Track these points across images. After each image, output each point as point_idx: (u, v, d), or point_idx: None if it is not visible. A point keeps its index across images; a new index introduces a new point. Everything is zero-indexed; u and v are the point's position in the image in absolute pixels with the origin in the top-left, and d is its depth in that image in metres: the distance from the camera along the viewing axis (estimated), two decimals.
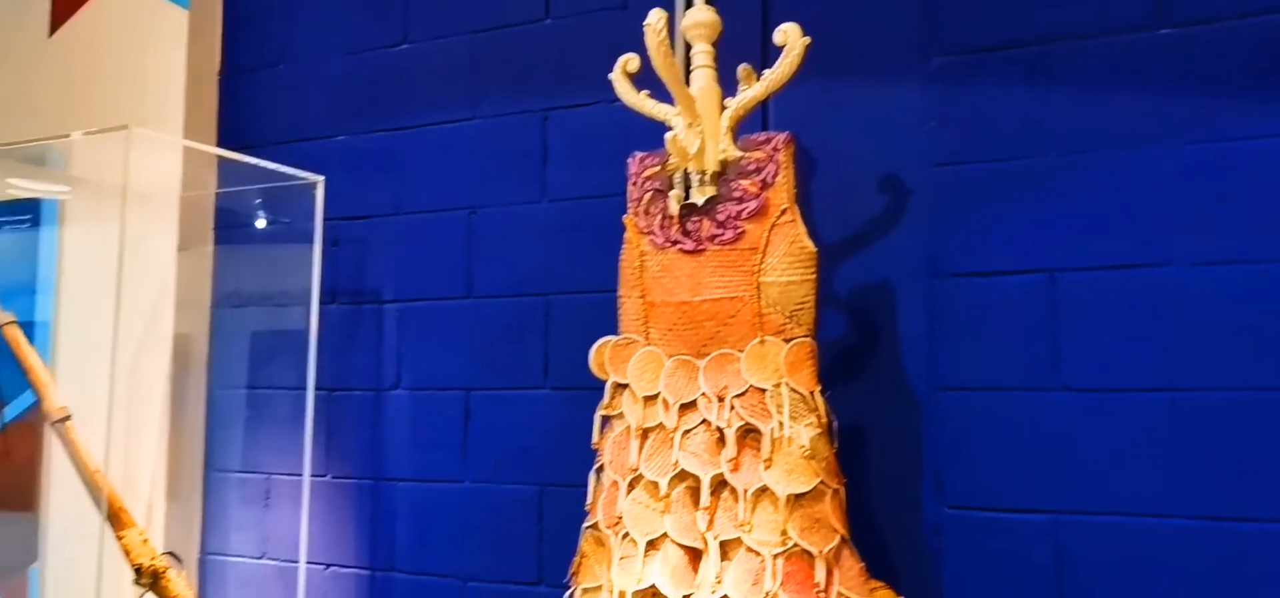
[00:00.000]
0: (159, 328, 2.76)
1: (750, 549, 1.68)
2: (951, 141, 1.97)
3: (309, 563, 2.54)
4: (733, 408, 1.72)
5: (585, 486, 1.88)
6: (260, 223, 2.78)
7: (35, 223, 3.01)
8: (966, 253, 1.94)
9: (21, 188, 2.98)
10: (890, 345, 2.00)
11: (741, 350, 1.74)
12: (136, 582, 2.23)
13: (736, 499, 1.70)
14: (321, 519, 2.58)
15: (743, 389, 1.72)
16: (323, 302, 2.55)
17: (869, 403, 1.99)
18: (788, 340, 1.72)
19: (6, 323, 2.27)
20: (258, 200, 2.75)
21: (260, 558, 2.68)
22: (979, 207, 1.94)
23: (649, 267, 1.81)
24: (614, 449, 1.82)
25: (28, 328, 2.93)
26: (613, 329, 1.90)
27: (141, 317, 2.76)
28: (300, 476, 2.62)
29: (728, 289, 1.74)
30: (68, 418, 2.26)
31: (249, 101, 2.82)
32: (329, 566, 2.57)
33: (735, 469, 1.71)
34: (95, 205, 2.91)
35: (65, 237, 2.95)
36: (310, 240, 2.56)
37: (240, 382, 2.76)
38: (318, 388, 2.57)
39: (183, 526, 2.74)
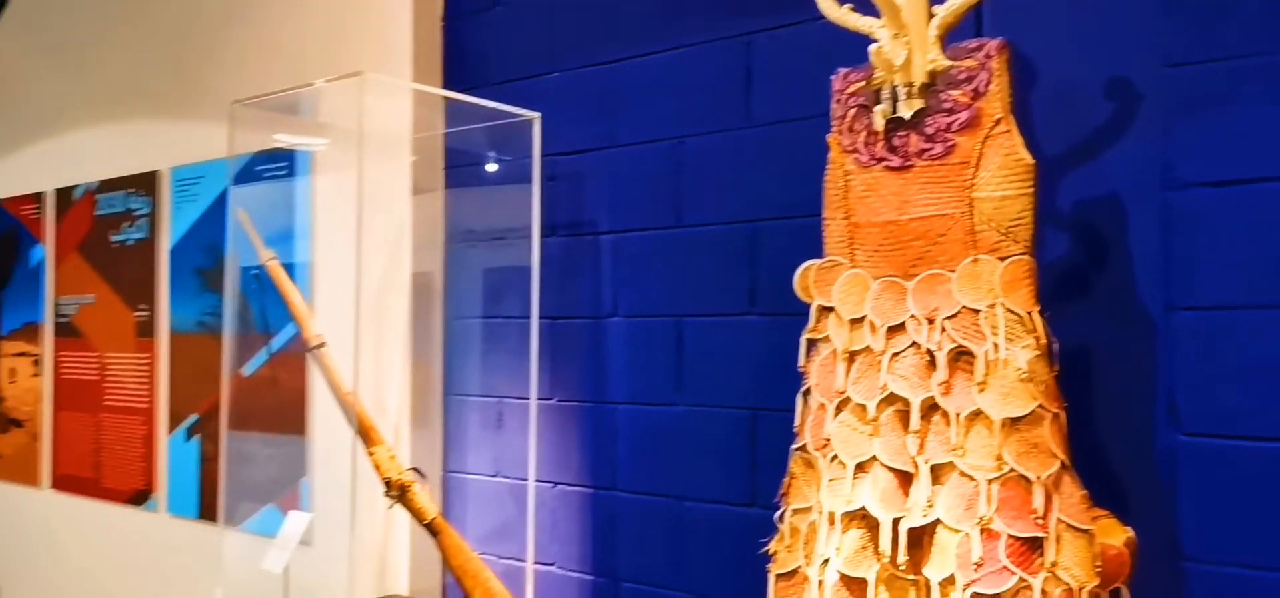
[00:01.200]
0: (399, 265, 2.97)
1: (964, 473, 1.64)
2: (1185, 39, 1.81)
3: (538, 481, 2.69)
4: (944, 330, 1.68)
5: (792, 409, 1.89)
6: (489, 166, 2.92)
7: (291, 172, 3.29)
8: (1204, 160, 1.78)
9: (285, 141, 3.26)
10: (1119, 263, 1.88)
11: (953, 270, 1.68)
12: (387, 493, 2.44)
13: (948, 423, 1.66)
14: (548, 440, 2.72)
15: (954, 311, 1.67)
16: (543, 235, 2.66)
17: (1095, 324, 1.88)
18: (1003, 259, 1.66)
19: (268, 259, 2.51)
20: (482, 139, 2.90)
21: (494, 476, 2.86)
22: (1217, 110, 1.78)
23: (853, 186, 1.78)
24: (820, 373, 1.82)
25: (289, 269, 3.23)
26: (819, 253, 1.88)
27: (383, 255, 2.98)
28: (528, 399, 2.77)
29: (937, 206, 1.69)
30: (323, 345, 2.48)
31: (471, 44, 2.96)
32: (556, 483, 2.71)
33: (946, 392, 1.67)
34: (340, 152, 3.15)
35: (317, 183, 3.21)
36: (530, 177, 2.68)
37: (473, 312, 2.93)
38: (542, 317, 2.70)
39: (425, 445, 2.96)
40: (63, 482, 4.18)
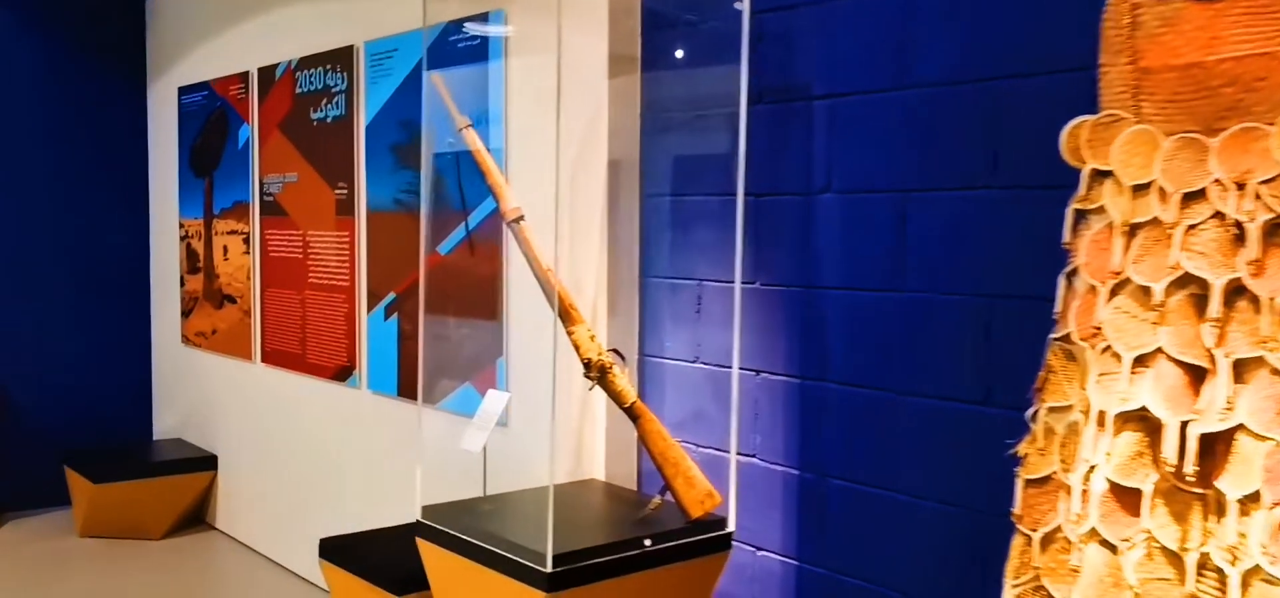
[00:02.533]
0: (595, 142, 2.81)
1: (1276, 371, 1.35)
2: None
3: (740, 368, 2.52)
4: (1258, 198, 1.37)
5: (1038, 296, 1.62)
6: (689, 29, 2.71)
7: (485, 48, 3.17)
8: None
9: (477, 30, 3.14)
10: None
11: (1273, 123, 1.37)
12: (586, 374, 2.32)
13: (1257, 310, 1.37)
14: (752, 326, 2.53)
15: (1273, 174, 1.36)
16: (749, 103, 2.44)
17: None
18: None
19: (464, 127, 2.39)
20: (681, 2, 2.67)
21: (693, 361, 2.70)
22: None
23: (1144, 22, 1.47)
24: (1091, 250, 1.54)
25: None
26: (1073, 114, 1.58)
27: (578, 135, 2.83)
28: (730, 283, 2.59)
29: (1257, 43, 1.37)
30: (521, 218, 2.36)
31: None
32: (759, 372, 2.53)
33: (1258, 274, 1.37)
34: (533, 24, 3.00)
35: (511, 65, 3.08)
36: (733, 42, 2.45)
37: (671, 191, 2.75)
38: (747, 194, 2.49)
39: (621, 329, 2.82)
40: (272, 356, 4.32)
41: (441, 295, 3.35)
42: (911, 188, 2.22)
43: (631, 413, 2.33)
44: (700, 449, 2.65)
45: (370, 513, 3.73)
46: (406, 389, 3.54)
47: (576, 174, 2.85)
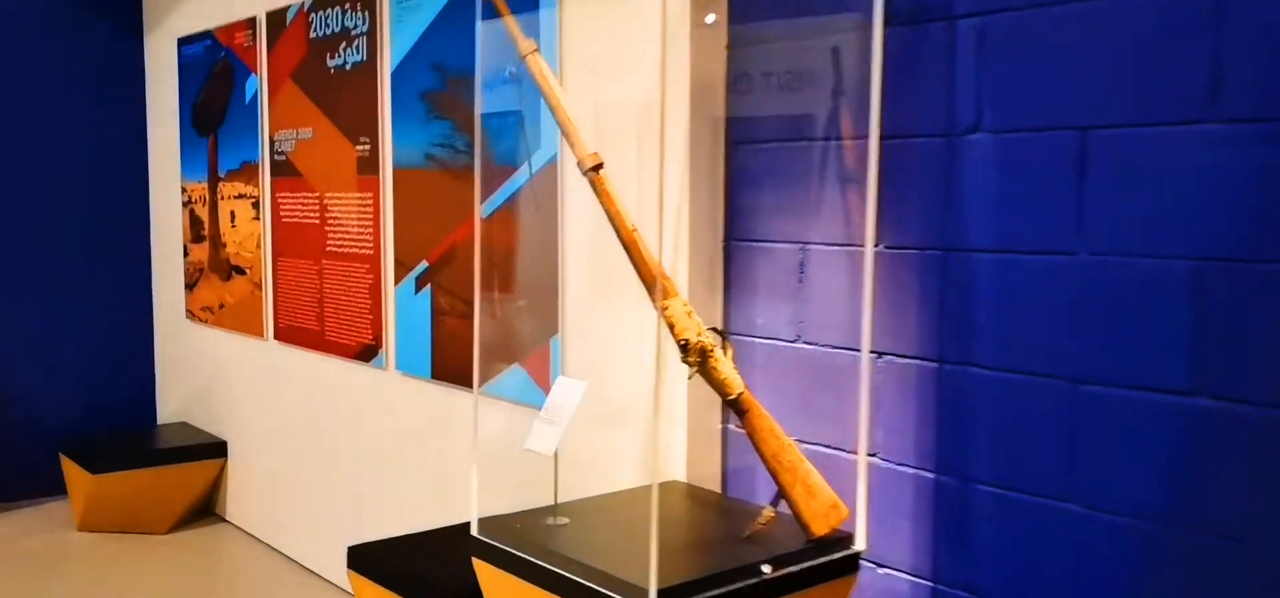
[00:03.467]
0: (668, 78, 2.36)
1: None
2: None
3: (853, 349, 2.09)
4: None
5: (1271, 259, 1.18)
6: None
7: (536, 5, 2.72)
8: None
9: None
10: None
11: None
12: (684, 359, 1.88)
13: None
14: (878, 297, 2.10)
15: None
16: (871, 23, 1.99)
17: None
18: None
19: (530, 51, 1.94)
20: None
21: (794, 341, 2.26)
22: None
23: None
24: None
25: (525, 119, 2.69)
26: None
27: (647, 81, 2.39)
28: (843, 246, 2.15)
29: None
30: (600, 165, 1.92)
31: None
32: (882, 354, 2.10)
33: None
34: None
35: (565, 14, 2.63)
36: None
37: (766, 136, 2.31)
38: (864, 137, 2.05)
39: (702, 303, 2.38)
40: (286, 333, 3.89)
41: (484, 264, 2.91)
42: (1093, 123, 1.77)
43: (738, 406, 1.90)
44: (807, 448, 2.21)
45: (399, 510, 3.31)
46: (442, 371, 3.11)
47: (646, 118, 2.41)
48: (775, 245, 2.29)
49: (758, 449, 1.90)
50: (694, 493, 2.28)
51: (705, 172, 2.37)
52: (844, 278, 2.16)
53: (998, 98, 1.90)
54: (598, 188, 1.90)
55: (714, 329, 1.93)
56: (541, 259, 2.69)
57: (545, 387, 2.73)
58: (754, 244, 2.34)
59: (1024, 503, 1.90)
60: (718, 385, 1.89)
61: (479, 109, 2.69)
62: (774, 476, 1.88)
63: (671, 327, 1.88)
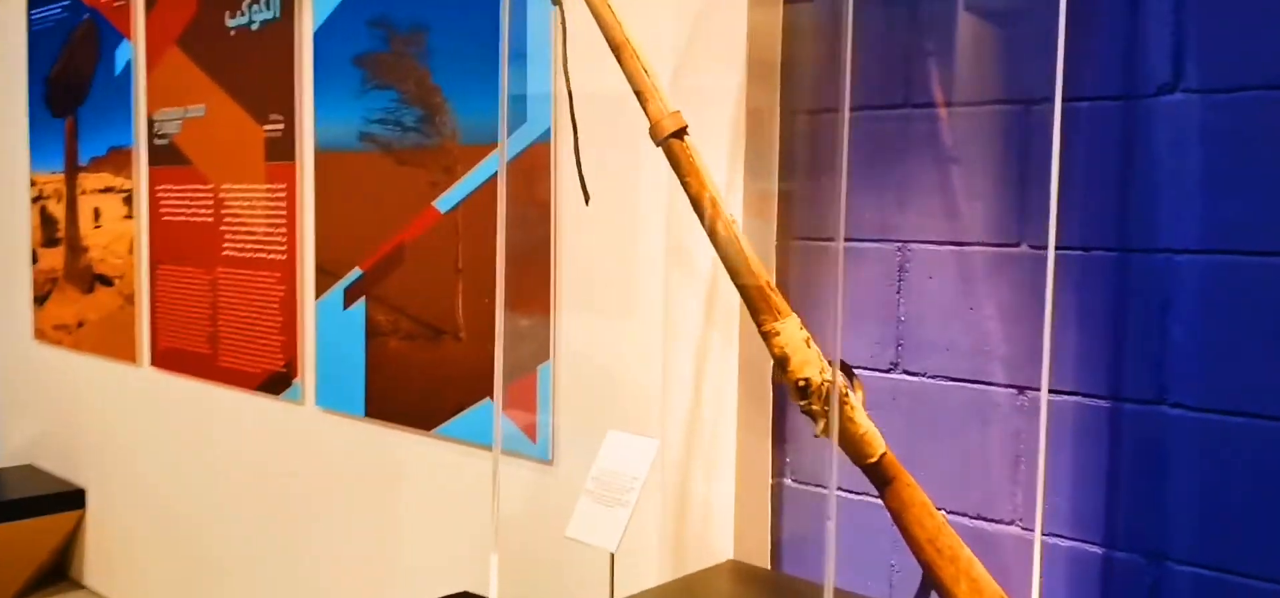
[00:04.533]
0: (709, 32, 1.81)
1: None
2: None
3: (983, 383, 1.57)
4: None
5: None
6: None
7: None
8: None
9: None
10: None
11: None
12: (806, 407, 1.31)
13: None
14: (1009, 313, 1.58)
15: None
16: None
17: None
18: None
19: None
20: None
21: (888, 371, 1.73)
22: None
23: None
24: None
25: (520, 102, 2.10)
26: None
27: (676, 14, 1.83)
28: (957, 245, 1.63)
29: None
30: (684, 130, 1.34)
31: None
32: (1023, 389, 1.58)
33: None
34: None
35: None
36: None
37: (840, 101, 1.77)
38: (1012, 100, 1.54)
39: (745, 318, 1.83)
40: (167, 358, 3.15)
41: (439, 269, 2.29)
42: None
43: (881, 473, 1.35)
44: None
45: (315, 587, 2.64)
46: (381, 407, 2.46)
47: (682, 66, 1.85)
48: (861, 245, 1.75)
49: (908, 531, 1.35)
50: (770, 583, 1.72)
51: (756, 146, 1.82)
52: (967, 286, 1.64)
53: (1205, 45, 1.41)
54: (682, 161, 1.32)
55: (841, 365, 1.38)
56: (528, 265, 2.09)
57: (528, 429, 2.13)
58: (824, 244, 1.80)
59: (1242, 590, 1.41)
60: (853, 443, 1.33)
61: (506, 38, 2.04)
62: (930, 566, 1.34)
63: (783, 359, 1.31)
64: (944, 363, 1.67)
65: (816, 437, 1.33)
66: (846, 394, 1.32)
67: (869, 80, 1.74)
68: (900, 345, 1.71)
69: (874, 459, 1.34)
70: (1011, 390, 1.60)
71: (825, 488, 1.80)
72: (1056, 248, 1.53)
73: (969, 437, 1.63)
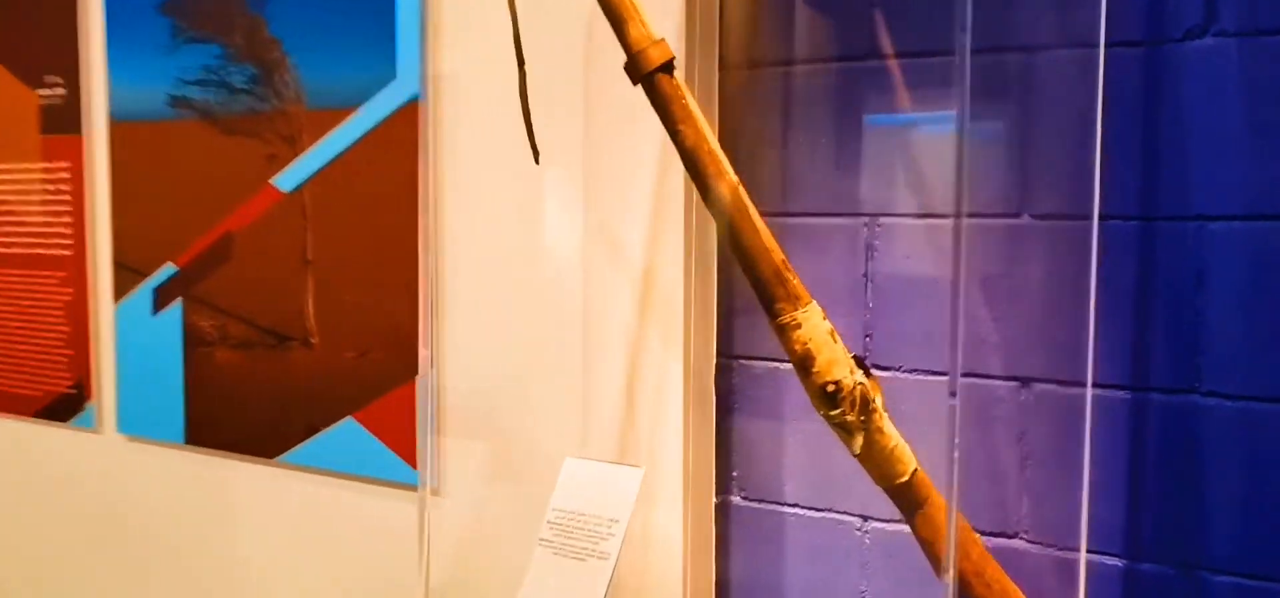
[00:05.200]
0: None
1: None
2: None
3: (972, 376, 1.35)
4: None
5: None
6: None
7: None
8: None
9: None
10: None
11: None
12: (841, 416, 1.03)
13: None
14: (1004, 295, 1.37)
15: None
16: None
17: None
18: None
19: None
20: None
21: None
22: None
23: None
24: None
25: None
26: None
27: None
28: (931, 217, 1.40)
29: None
30: (671, 62, 1.03)
31: None
32: (1027, 380, 1.37)
33: None
34: None
35: None
36: None
37: (795, 54, 1.50)
38: (1001, 49, 1.32)
39: (669, 310, 1.54)
40: None
41: (281, 262, 1.88)
42: None
43: (911, 495, 1.08)
44: (898, 527, 1.45)
45: None
46: (207, 432, 2.01)
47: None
48: (817, 221, 1.50)
49: (940, 561, 1.09)
50: None
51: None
52: (947, 268, 1.41)
53: None
54: (675, 103, 1.01)
55: (858, 360, 1.10)
56: (403, 252, 1.72)
57: (404, 453, 1.76)
58: (782, 220, 1.53)
59: None
60: (881, 460, 1.06)
61: None
62: None
63: (807, 358, 1.03)
64: (924, 355, 1.43)
65: (857, 453, 1.05)
66: (876, 401, 1.06)
67: (823, 28, 1.48)
68: (869, 337, 1.47)
69: (905, 477, 1.07)
70: (1013, 384, 1.38)
71: (787, 506, 1.54)
72: (1048, 218, 1.32)
73: (962, 439, 1.40)
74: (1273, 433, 1.24)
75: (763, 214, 1.39)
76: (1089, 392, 1.16)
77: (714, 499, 1.59)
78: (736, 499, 1.60)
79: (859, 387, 1.02)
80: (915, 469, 1.08)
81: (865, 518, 1.48)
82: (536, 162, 1.17)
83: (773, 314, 1.02)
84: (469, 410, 1.72)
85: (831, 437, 1.47)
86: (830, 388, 1.02)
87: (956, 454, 1.00)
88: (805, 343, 1.01)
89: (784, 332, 1.02)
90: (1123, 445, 1.32)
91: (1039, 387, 1.36)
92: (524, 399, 1.65)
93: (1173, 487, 1.29)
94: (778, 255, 1.02)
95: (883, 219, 1.45)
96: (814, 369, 1.02)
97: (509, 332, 1.66)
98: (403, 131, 1.72)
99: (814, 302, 1.04)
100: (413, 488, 1.74)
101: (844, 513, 1.50)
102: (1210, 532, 1.28)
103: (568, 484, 1.16)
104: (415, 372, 1.73)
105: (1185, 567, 1.29)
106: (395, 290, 1.76)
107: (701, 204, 1.50)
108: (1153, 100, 1.28)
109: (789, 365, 1.50)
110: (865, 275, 1.46)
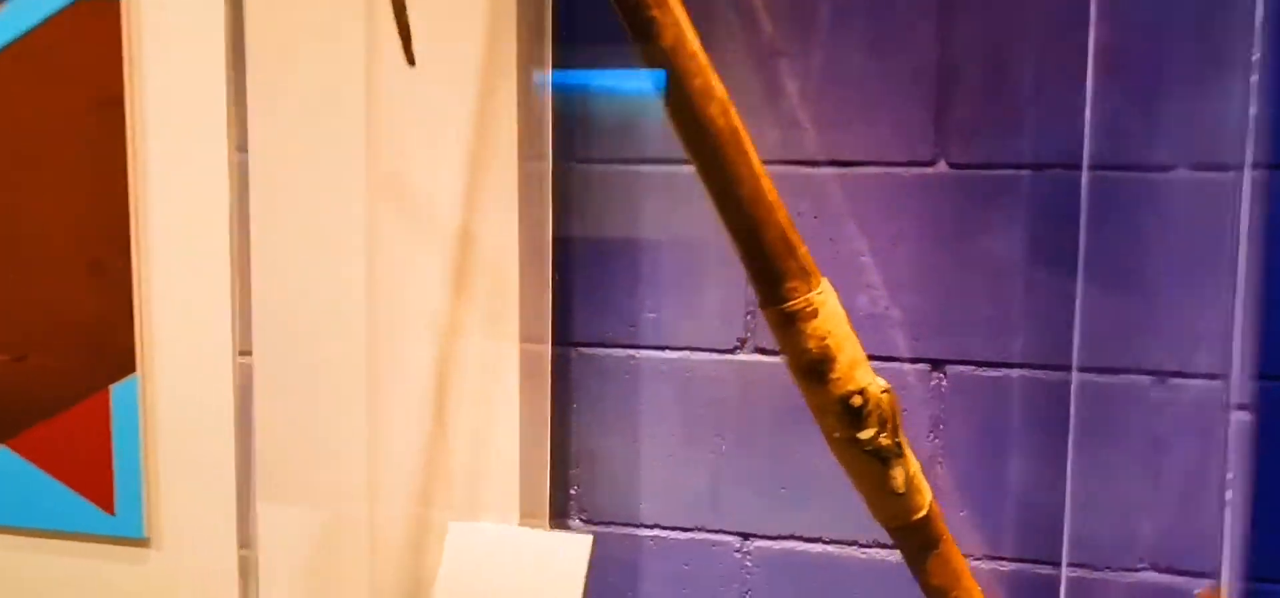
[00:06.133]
0: None
1: None
2: None
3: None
4: None
5: None
6: None
7: None
8: None
9: None
10: None
11: None
12: (870, 439, 0.73)
13: None
14: (930, 259, 1.14)
15: None
16: None
17: None
18: None
19: None
20: None
21: (733, 351, 1.19)
22: None
23: None
24: None
25: None
26: None
27: None
28: (832, 166, 1.15)
29: None
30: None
31: None
32: (941, 365, 1.15)
33: None
34: None
35: None
36: None
37: None
38: None
39: (497, 289, 1.18)
40: None
41: None
42: None
43: (926, 533, 0.81)
44: (791, 545, 1.19)
45: None
46: None
47: None
48: (680, 170, 1.19)
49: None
50: None
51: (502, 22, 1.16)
52: (850, 222, 1.16)
53: None
54: (658, 24, 0.66)
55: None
56: (78, 219, 1.20)
57: (96, 492, 1.26)
58: (634, 168, 1.20)
59: None
60: (898, 489, 0.78)
61: None
62: None
63: (825, 359, 0.72)
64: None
65: (899, 487, 0.76)
66: (899, 417, 0.77)
67: None
68: (752, 313, 1.19)
69: (923, 512, 0.80)
70: (922, 366, 1.16)
71: (644, 528, 1.23)
72: (963, 166, 1.12)
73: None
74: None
75: (615, 161, 1.08)
76: (1234, 380, 0.95)
77: (546, 527, 1.25)
78: (577, 524, 1.26)
79: (887, 394, 0.73)
80: (931, 502, 0.81)
81: (745, 537, 1.21)
82: (410, 63, 0.77)
83: (777, 298, 0.71)
84: (195, 433, 1.24)
85: (701, 440, 1.19)
86: (856, 401, 0.72)
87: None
88: (824, 338, 0.71)
89: (791, 322, 0.71)
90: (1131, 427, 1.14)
91: (954, 369, 1.15)
92: (280, 413, 1.21)
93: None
94: (784, 212, 0.71)
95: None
96: (833, 375, 0.72)
97: (262, 322, 1.20)
98: (82, 34, 1.20)
99: (825, 279, 0.74)
100: (110, 540, 1.24)
101: (718, 533, 1.22)
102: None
103: (459, 561, 0.77)
104: (107, 380, 1.23)
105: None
106: (75, 270, 1.23)
107: (525, 134, 1.14)
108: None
109: (645, 352, 1.20)
110: None
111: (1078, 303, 0.97)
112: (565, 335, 1.23)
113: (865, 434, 0.72)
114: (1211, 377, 1.06)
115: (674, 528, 1.23)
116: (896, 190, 1.13)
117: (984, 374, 1.14)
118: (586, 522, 1.26)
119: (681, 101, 0.67)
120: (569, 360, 1.23)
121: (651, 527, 1.23)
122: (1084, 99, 1.09)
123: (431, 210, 1.16)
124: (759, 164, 0.70)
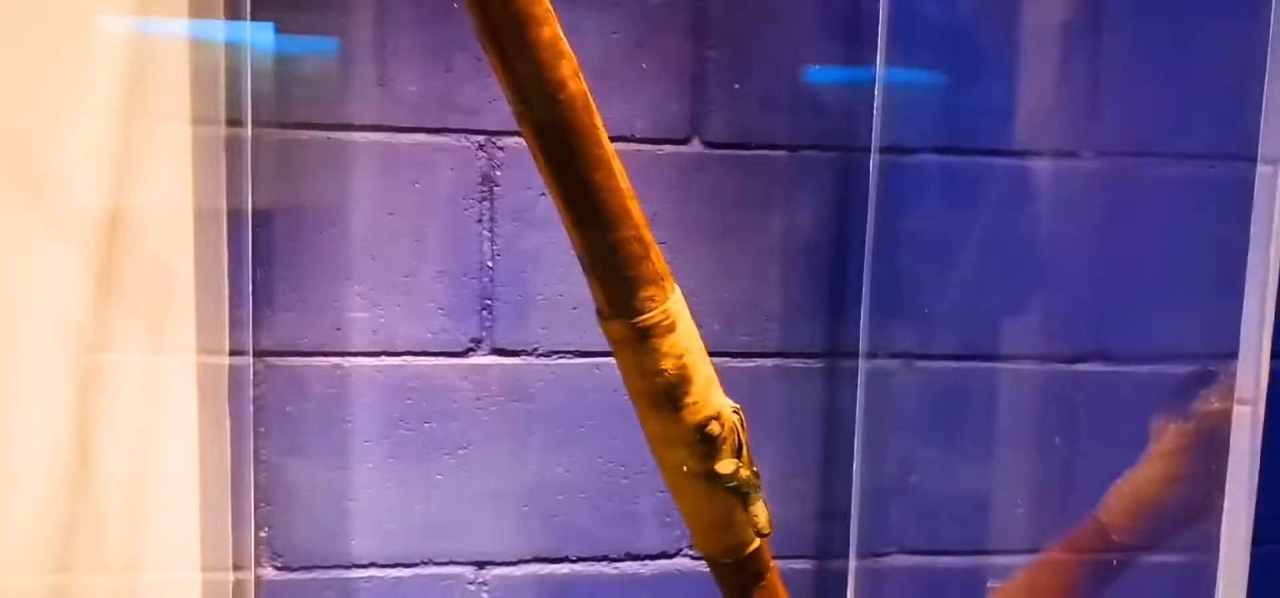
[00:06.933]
0: None
1: None
2: None
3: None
4: None
5: None
6: None
7: None
8: None
9: None
10: None
11: None
12: (731, 475, 0.60)
13: None
14: (690, 247, 1.04)
15: None
16: None
17: None
18: None
19: None
20: None
21: (466, 353, 1.02)
22: None
23: None
24: None
25: None
26: None
27: None
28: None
29: None
30: None
31: None
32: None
33: None
34: None
35: None
36: None
37: None
38: None
39: (160, 275, 0.93)
40: None
41: None
42: None
43: (757, 564, 0.70)
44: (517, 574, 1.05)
45: None
46: None
47: None
48: (407, 138, 0.99)
49: None
50: None
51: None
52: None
53: None
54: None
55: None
56: None
57: None
58: (344, 136, 0.98)
59: None
60: (762, 527, 0.66)
61: None
62: None
63: (681, 381, 0.58)
64: (566, 333, 1.04)
65: (761, 533, 0.63)
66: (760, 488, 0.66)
67: None
68: (488, 308, 1.02)
69: (756, 544, 0.69)
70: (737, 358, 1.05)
71: (357, 569, 1.02)
72: (721, 147, 1.05)
73: (609, 443, 1.05)
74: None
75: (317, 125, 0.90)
76: (1261, 372, 0.89)
77: (230, 579, 1.00)
78: (269, 573, 1.03)
79: (737, 414, 0.61)
80: (768, 534, 0.70)
81: (480, 565, 1.05)
82: None
83: (629, 310, 0.55)
84: None
85: (427, 459, 1.01)
86: (712, 427, 0.59)
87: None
88: (681, 356, 0.57)
89: (644, 339, 0.56)
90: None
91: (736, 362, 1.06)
92: None
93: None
94: (637, 204, 0.56)
95: (504, 140, 1.01)
96: (689, 400, 0.58)
97: None
98: None
99: (676, 287, 0.60)
100: None
101: (448, 564, 1.04)
102: None
103: None
104: None
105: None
106: None
107: (199, 90, 0.89)
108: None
109: (355, 359, 1.01)
110: (483, 220, 1.01)
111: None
112: (252, 343, 0.98)
113: (725, 468, 0.60)
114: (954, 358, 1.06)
115: (394, 564, 1.03)
116: (652, 167, 1.02)
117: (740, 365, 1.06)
118: (282, 569, 1.02)
119: (515, 56, 0.50)
120: (257, 374, 0.99)
121: (366, 566, 1.03)
122: (839, 80, 1.04)
123: (66, 187, 0.87)
124: (609, 144, 0.54)
